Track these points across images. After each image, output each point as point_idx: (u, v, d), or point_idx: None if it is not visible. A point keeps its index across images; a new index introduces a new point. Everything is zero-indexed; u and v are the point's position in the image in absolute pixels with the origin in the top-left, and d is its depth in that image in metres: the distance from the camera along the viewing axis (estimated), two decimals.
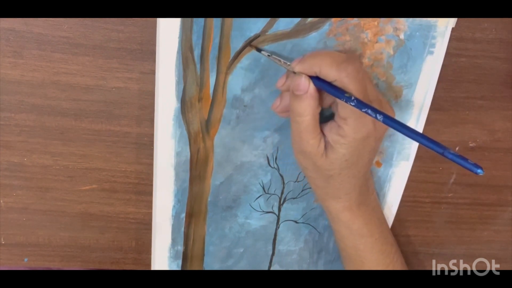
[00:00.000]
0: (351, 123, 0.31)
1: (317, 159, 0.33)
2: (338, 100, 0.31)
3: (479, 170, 0.26)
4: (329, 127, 0.33)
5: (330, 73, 0.30)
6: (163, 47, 0.35)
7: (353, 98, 0.30)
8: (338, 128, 0.32)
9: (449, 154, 0.27)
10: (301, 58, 0.32)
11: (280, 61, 0.33)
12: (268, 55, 0.34)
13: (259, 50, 0.34)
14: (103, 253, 0.43)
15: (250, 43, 0.35)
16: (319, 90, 0.32)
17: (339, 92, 0.30)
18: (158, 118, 0.37)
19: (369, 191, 0.38)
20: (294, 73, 0.32)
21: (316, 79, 0.31)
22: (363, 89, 0.31)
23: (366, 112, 0.29)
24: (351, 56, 0.32)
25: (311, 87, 0.31)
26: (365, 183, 0.36)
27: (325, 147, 0.33)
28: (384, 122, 0.29)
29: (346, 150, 0.32)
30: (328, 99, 0.33)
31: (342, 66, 0.30)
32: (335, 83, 0.31)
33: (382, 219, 0.39)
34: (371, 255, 0.37)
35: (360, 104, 0.29)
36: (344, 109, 0.31)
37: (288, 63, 0.33)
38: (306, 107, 0.31)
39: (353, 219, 0.36)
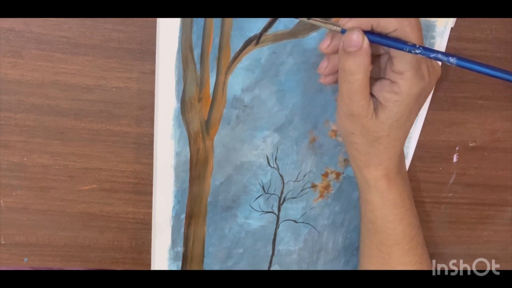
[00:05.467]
0: (408, 77, 0.30)
1: (367, 121, 0.31)
2: (393, 54, 0.30)
3: None
4: (379, 86, 0.31)
5: (390, 23, 0.29)
6: (163, 47, 0.35)
7: (418, 46, 0.28)
8: (392, 84, 0.30)
9: None
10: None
11: (323, 22, 0.31)
12: (308, 19, 0.31)
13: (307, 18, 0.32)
14: (103, 253, 0.43)
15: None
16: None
17: (400, 42, 0.28)
18: (158, 118, 0.37)
19: (403, 159, 0.37)
20: (342, 33, 0.30)
21: (370, 34, 0.29)
22: (422, 37, 0.29)
23: (435, 58, 0.27)
24: None
25: (366, 42, 0.29)
26: (403, 149, 0.35)
27: (375, 108, 0.31)
28: (458, 64, 0.27)
29: (398, 108, 0.31)
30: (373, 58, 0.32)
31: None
32: (395, 34, 0.29)
33: (411, 190, 0.38)
34: (399, 226, 0.36)
35: (428, 51, 0.27)
36: (401, 62, 0.30)
37: (335, 24, 0.30)
38: (360, 64, 0.29)
39: (389, 187, 0.35)
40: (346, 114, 0.32)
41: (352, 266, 0.45)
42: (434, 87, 0.33)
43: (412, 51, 0.28)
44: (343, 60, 0.30)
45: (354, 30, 0.29)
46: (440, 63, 0.32)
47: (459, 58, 0.27)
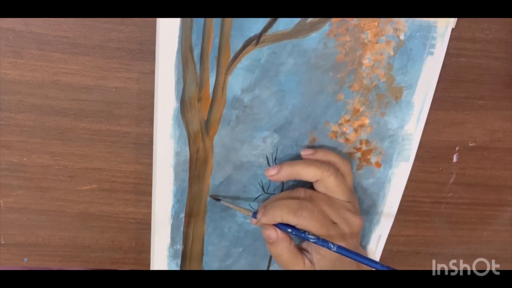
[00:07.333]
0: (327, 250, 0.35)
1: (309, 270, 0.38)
2: None
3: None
4: (310, 247, 0.37)
5: (290, 220, 0.35)
6: (163, 47, 0.35)
7: (312, 237, 0.35)
8: (318, 249, 0.36)
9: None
10: (264, 211, 0.36)
11: (238, 207, 0.39)
12: (219, 201, 0.40)
13: (218, 199, 0.40)
14: (103, 253, 0.43)
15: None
16: None
17: (301, 232, 0.35)
18: (157, 118, 0.37)
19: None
20: (253, 217, 0.38)
21: (281, 224, 0.36)
22: (321, 225, 0.35)
23: (321, 245, 0.35)
24: (302, 201, 0.36)
25: (279, 233, 0.36)
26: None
27: (311, 261, 0.37)
28: (337, 251, 0.34)
29: (329, 262, 0.37)
30: None
31: (298, 213, 0.35)
32: (297, 226, 0.35)
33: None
34: None
35: (318, 241, 0.35)
36: None
37: (250, 210, 0.38)
38: (282, 249, 0.37)
39: None
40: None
41: None
42: (360, 233, 0.38)
43: (309, 240, 0.35)
44: (269, 248, 0.37)
45: (268, 226, 0.36)
46: (360, 220, 0.37)
47: (338, 246, 0.34)
